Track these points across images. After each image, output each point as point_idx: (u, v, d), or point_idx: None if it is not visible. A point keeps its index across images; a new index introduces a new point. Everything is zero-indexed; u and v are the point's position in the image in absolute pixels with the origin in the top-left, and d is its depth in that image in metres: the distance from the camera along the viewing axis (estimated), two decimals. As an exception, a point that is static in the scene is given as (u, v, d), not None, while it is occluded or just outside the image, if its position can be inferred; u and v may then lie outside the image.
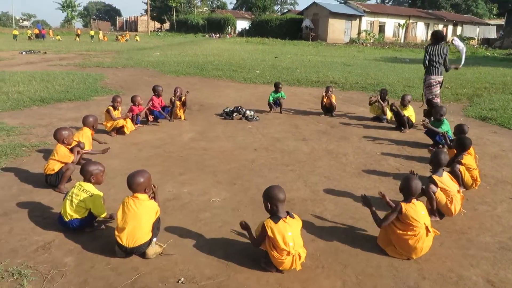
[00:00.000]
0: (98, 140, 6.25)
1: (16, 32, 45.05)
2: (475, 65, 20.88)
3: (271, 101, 9.33)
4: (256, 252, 3.40)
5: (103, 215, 3.81)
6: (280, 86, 9.30)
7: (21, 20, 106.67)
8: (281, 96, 9.36)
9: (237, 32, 64.95)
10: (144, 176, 3.41)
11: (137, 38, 46.00)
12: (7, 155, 5.88)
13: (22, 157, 5.92)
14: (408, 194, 3.58)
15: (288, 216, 3.21)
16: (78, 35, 47.77)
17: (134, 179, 3.35)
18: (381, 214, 4.14)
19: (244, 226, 3.45)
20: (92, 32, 48.27)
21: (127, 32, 54.26)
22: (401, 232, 3.50)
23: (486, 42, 45.07)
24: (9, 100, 9.81)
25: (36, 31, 47.24)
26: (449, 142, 6.09)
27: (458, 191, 4.35)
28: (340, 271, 3.31)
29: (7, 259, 3.32)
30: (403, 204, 3.51)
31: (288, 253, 3.11)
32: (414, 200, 3.54)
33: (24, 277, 3.07)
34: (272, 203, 3.22)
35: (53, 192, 4.69)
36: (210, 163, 5.91)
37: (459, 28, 56.03)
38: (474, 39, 48.47)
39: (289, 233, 3.13)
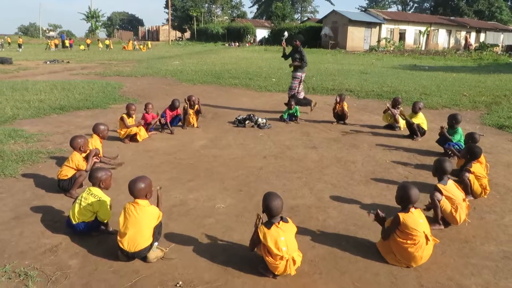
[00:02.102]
0: (108, 159, 6.20)
1: (48, 42, 47.95)
2: (496, 73, 20.47)
3: (285, 117, 9.43)
4: (255, 257, 3.45)
5: (107, 220, 3.92)
6: (293, 103, 9.38)
7: (47, 31, 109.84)
8: (295, 113, 9.42)
9: (256, 40, 65.39)
10: (145, 182, 3.50)
11: (149, 45, 47.93)
12: (24, 161, 6.10)
13: (38, 163, 6.13)
14: (407, 203, 3.56)
15: (281, 221, 3.26)
16: (88, 45, 50.03)
17: (134, 185, 3.46)
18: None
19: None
20: (107, 42, 50.71)
21: (130, 40, 56.89)
22: (400, 240, 3.49)
23: (510, 49, 44.11)
24: (30, 108, 10.15)
25: (57, 41, 50.35)
26: (457, 153, 6.02)
27: (464, 200, 4.31)
28: (338, 278, 3.33)
29: (15, 260, 3.47)
30: (400, 215, 3.50)
31: (282, 258, 3.16)
32: (412, 209, 3.52)
33: (30, 278, 3.20)
34: (266, 211, 3.30)
35: (64, 197, 4.85)
36: (219, 170, 6.00)
37: (482, 35, 55.07)
38: (498, 46, 47.55)
39: (281, 238, 3.19)
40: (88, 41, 53.56)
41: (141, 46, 47.75)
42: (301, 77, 10.10)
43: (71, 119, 9.29)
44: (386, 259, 3.58)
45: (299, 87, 10.15)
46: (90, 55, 35.23)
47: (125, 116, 7.40)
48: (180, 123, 8.60)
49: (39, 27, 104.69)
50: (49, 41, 51.33)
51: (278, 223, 3.25)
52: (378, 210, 3.81)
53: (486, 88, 14.60)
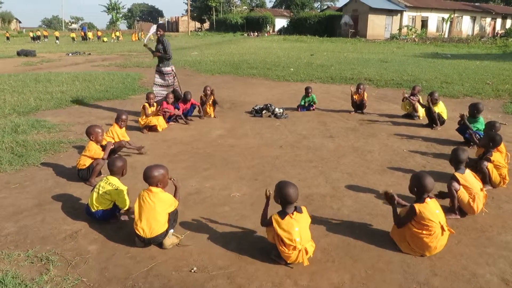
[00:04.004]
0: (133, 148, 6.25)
1: (73, 35, 49.64)
2: (522, 60, 19.88)
3: (302, 104, 9.43)
4: (268, 245, 3.49)
5: (126, 207, 4.03)
6: (310, 90, 9.35)
7: (69, 23, 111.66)
8: (312, 100, 9.39)
9: (275, 30, 64.98)
10: (158, 171, 3.57)
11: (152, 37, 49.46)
12: (46, 150, 6.28)
13: (60, 152, 6.30)
14: (422, 192, 3.51)
15: (295, 212, 3.27)
16: (99, 36, 51.06)
17: (147, 172, 3.56)
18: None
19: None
20: (117, 33, 52.18)
21: (135, 32, 58.41)
22: (416, 230, 3.46)
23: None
24: (52, 99, 10.39)
25: (80, 33, 52.14)
26: (476, 141, 5.91)
27: (481, 189, 4.25)
28: (350, 265, 3.34)
29: (37, 245, 3.59)
30: (416, 206, 3.46)
31: (295, 248, 3.18)
32: (427, 199, 3.49)
33: (51, 263, 3.32)
34: (281, 201, 3.31)
35: (84, 186, 4.98)
36: (235, 159, 6.05)
37: (508, 21, 53.41)
38: (525, 32, 45.98)
39: (295, 229, 3.20)
40: (99, 33, 55.04)
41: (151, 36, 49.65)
42: (173, 70, 8.70)
43: (92, 110, 9.47)
44: (400, 247, 3.57)
45: (175, 80, 8.75)
46: (111, 46, 35.69)
47: (146, 105, 7.56)
48: (197, 113, 8.66)
49: (62, 20, 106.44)
50: (73, 33, 52.97)
51: (292, 213, 3.25)
52: (395, 195, 3.77)
53: (511, 76, 14.22)
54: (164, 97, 8.23)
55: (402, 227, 3.60)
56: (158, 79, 8.66)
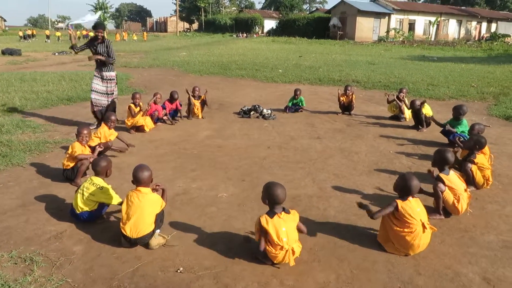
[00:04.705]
0: (122, 145, 6.30)
1: (58, 34, 49.30)
2: (506, 63, 20.22)
3: (290, 105, 9.46)
4: (255, 245, 3.48)
5: (115, 202, 4.01)
6: (298, 92, 9.40)
7: (56, 22, 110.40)
8: (300, 103, 9.43)
9: (264, 31, 65.07)
10: (148, 172, 3.58)
11: (134, 36, 52.78)
12: (31, 151, 6.20)
13: (45, 152, 6.22)
14: (406, 193, 3.57)
15: (283, 212, 3.29)
16: (85, 36, 51.24)
17: (137, 173, 3.53)
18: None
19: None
20: (91, 34, 52.15)
21: (117, 33, 59.40)
22: (398, 229, 3.51)
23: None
24: (38, 99, 10.26)
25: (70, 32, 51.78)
26: (460, 144, 6.00)
27: (465, 190, 4.32)
28: (336, 265, 3.37)
29: (21, 246, 3.55)
30: (398, 202, 3.52)
31: (282, 248, 3.20)
32: (409, 198, 3.54)
33: (35, 263, 3.28)
34: (269, 201, 3.32)
35: (69, 186, 4.94)
36: (222, 160, 6.05)
37: (493, 25, 54.24)
38: (510, 36, 46.68)
39: (283, 229, 3.22)
40: (84, 32, 55.00)
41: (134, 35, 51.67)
42: (116, 77, 7.90)
43: (78, 110, 9.38)
44: (385, 248, 3.60)
45: (115, 88, 7.81)
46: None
47: (132, 105, 7.50)
48: (179, 115, 8.58)
49: (48, 19, 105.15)
50: (59, 32, 52.74)
51: (280, 213, 3.27)
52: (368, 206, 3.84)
53: (495, 79, 14.48)
54: (105, 106, 7.55)
55: (377, 216, 3.59)
56: (97, 85, 7.63)
